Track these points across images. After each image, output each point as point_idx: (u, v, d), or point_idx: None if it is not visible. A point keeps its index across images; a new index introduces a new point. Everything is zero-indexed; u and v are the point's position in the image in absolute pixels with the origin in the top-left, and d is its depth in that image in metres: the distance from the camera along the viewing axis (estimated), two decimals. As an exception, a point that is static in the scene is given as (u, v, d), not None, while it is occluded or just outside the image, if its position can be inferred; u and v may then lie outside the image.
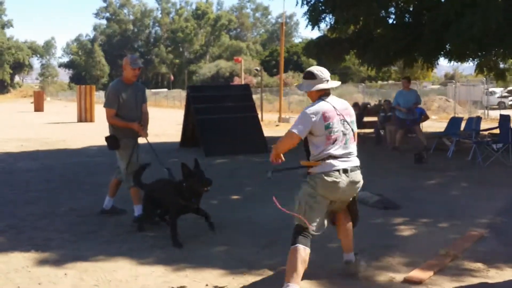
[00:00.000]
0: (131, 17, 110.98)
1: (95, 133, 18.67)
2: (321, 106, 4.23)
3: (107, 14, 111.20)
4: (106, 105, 6.48)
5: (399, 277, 4.54)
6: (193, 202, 5.68)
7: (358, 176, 4.32)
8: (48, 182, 9.49)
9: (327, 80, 4.32)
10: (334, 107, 4.25)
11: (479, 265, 4.82)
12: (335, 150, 4.20)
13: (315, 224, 4.24)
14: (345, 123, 4.27)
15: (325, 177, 4.18)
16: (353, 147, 4.33)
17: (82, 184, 9.24)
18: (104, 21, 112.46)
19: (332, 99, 4.32)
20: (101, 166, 11.27)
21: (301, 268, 4.09)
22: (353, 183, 4.30)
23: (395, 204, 7.10)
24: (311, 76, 4.33)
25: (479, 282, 4.44)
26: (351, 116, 4.35)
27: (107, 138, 6.54)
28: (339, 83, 4.69)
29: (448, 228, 6.12)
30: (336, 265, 4.82)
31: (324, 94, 4.30)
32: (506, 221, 6.37)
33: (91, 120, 27.44)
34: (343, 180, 4.20)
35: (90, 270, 4.82)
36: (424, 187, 8.84)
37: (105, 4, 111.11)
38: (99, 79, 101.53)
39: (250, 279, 4.56)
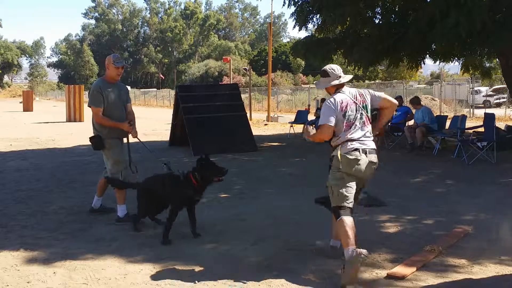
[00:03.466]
0: (120, 17, 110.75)
1: (84, 132, 18.50)
2: (338, 96, 4.75)
3: (96, 14, 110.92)
4: (91, 103, 6.41)
5: (383, 273, 4.61)
6: (199, 194, 5.79)
7: (374, 157, 4.81)
8: (38, 181, 9.51)
9: (340, 76, 4.84)
10: (348, 96, 4.77)
11: (463, 261, 4.90)
12: (351, 134, 4.71)
13: (348, 200, 4.73)
14: (359, 108, 4.77)
15: (348, 156, 4.68)
16: (367, 129, 4.81)
17: (71, 183, 9.28)
18: (93, 21, 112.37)
19: (346, 89, 4.86)
20: (90, 165, 11.32)
21: (351, 233, 4.55)
22: (371, 163, 4.77)
23: (381, 201, 7.19)
24: (325, 74, 4.88)
25: (463, 278, 4.51)
26: (365, 101, 4.84)
27: (91, 138, 6.51)
28: (351, 76, 5.15)
29: (433, 225, 6.22)
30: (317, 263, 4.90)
31: (339, 87, 4.83)
32: (490, 218, 6.47)
33: (80, 120, 27.45)
34: (363, 158, 4.70)
35: (79, 269, 4.85)
36: (409, 184, 8.96)
37: (94, 4, 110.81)
38: (88, 78, 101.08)
39: (238, 276, 4.59)
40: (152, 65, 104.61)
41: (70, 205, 7.47)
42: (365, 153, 4.72)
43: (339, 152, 4.74)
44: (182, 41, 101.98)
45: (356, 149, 4.70)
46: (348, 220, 4.61)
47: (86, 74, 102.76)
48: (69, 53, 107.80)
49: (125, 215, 6.45)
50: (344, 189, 4.71)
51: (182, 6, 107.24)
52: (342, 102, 4.71)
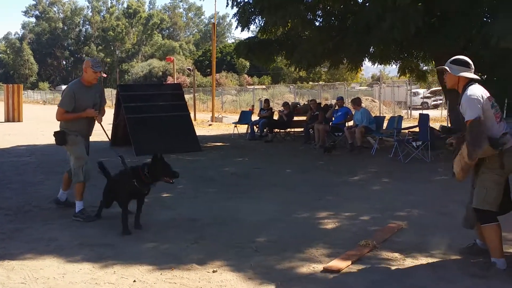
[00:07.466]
0: (61, 15, 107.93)
1: (23, 132, 18.19)
2: (480, 88, 4.55)
3: (37, 12, 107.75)
4: (59, 104, 6.57)
5: (320, 267, 4.76)
6: (146, 188, 6.08)
7: None
8: (-25, 182, 9.23)
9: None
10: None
11: (396, 254, 5.11)
12: (503, 127, 4.52)
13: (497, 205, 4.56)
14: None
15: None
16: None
17: (9, 183, 9.09)
18: (33, 19, 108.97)
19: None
20: (29, 165, 11.12)
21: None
22: None
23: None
24: (467, 64, 4.69)
25: (396, 269, 4.72)
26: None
27: (55, 133, 6.62)
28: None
29: (369, 221, 6.44)
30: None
31: (471, 81, 4.65)
32: (423, 214, 6.76)
33: (19, 120, 26.92)
34: None
35: (17, 268, 4.80)
36: (348, 182, 9.24)
37: (34, 2, 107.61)
38: (28, 78, 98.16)
39: (178, 273, 4.66)
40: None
41: (8, 205, 7.33)
42: None
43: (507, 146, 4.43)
44: (124, 40, 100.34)
45: None
46: (499, 228, 4.56)
47: (25, 73, 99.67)
48: (8, 52, 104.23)
49: (79, 211, 6.51)
50: (499, 192, 4.54)
51: (125, 5, 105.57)
52: (486, 93, 4.54)
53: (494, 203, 4.53)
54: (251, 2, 13.98)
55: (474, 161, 4.42)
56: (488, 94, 4.58)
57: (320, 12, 14.44)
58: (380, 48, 12.30)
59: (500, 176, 4.51)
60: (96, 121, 6.74)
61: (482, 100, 4.46)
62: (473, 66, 4.72)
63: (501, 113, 4.62)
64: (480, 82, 4.73)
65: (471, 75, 4.67)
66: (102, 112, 6.89)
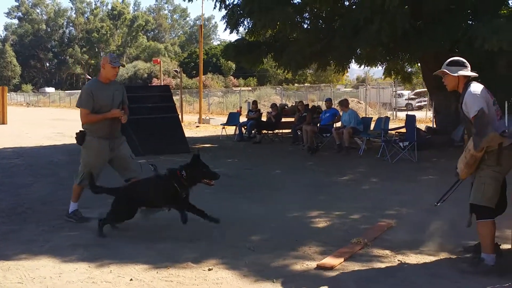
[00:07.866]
0: (44, 17, 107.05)
1: (9, 134, 18.07)
2: (481, 86, 4.64)
3: (19, 14, 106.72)
4: (78, 104, 6.36)
5: (314, 264, 4.85)
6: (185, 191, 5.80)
7: None
8: (-35, 184, 9.19)
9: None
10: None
11: (386, 252, 5.22)
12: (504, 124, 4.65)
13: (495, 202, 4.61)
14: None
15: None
16: None
17: (0, 185, 9.05)
18: (16, 21, 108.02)
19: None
20: (18, 167, 11.10)
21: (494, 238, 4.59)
22: None
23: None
24: (463, 63, 4.78)
25: (386, 267, 4.83)
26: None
27: (77, 133, 6.42)
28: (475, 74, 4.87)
29: (359, 220, 6.56)
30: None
31: (470, 79, 4.74)
32: (411, 212, 6.89)
33: (3, 122, 26.65)
34: None
35: (13, 269, 4.82)
36: (337, 182, 9.37)
37: (17, 3, 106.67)
38: (11, 80, 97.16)
39: (175, 272, 4.71)
40: (77, 66, 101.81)
41: (1, 207, 7.33)
42: None
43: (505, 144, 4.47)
44: (109, 42, 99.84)
45: None
46: (494, 225, 4.59)
47: (8, 75, 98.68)
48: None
49: (72, 212, 6.49)
50: (496, 189, 4.58)
51: (109, 7, 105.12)
52: (487, 90, 4.61)
53: (491, 199, 4.57)
54: (239, 4, 14.07)
55: (481, 153, 4.45)
56: (489, 92, 4.68)
57: (307, 14, 14.57)
58: (367, 50, 12.45)
59: (498, 173, 4.57)
60: (121, 121, 6.56)
61: (484, 96, 4.58)
62: (468, 64, 4.80)
63: (500, 111, 4.71)
64: (478, 79, 4.81)
65: (469, 72, 4.75)
66: (126, 111, 6.64)
